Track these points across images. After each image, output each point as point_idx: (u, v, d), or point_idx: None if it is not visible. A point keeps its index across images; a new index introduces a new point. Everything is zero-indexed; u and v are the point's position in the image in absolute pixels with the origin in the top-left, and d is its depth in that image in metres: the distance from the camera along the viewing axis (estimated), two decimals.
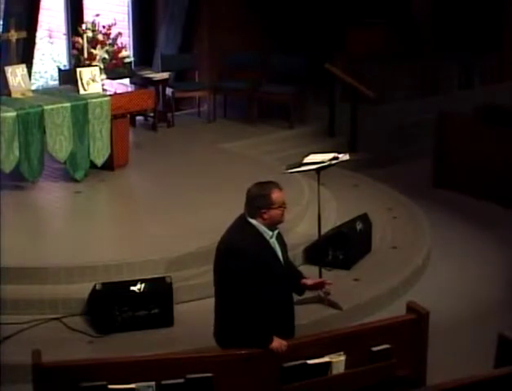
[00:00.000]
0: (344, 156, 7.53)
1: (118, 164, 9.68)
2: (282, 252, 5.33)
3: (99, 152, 9.40)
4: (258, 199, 5.18)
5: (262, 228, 5.20)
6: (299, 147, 10.69)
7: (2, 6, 11.18)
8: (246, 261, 5.07)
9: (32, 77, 10.96)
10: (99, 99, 9.37)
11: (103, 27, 9.78)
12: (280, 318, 5.30)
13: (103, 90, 9.58)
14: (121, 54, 9.88)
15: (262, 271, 5.12)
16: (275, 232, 5.27)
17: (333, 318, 7.16)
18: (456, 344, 6.95)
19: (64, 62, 12.90)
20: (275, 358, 5.13)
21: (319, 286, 5.57)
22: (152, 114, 11.47)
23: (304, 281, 5.48)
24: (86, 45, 9.57)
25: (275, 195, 5.19)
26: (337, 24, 12.77)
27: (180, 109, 12.43)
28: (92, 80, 9.44)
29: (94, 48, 9.61)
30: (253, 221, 5.19)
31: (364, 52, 12.40)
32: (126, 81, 11.36)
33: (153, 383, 4.98)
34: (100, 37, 9.67)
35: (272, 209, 5.17)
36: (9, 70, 9.27)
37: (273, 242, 5.26)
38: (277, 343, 5.14)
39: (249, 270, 5.07)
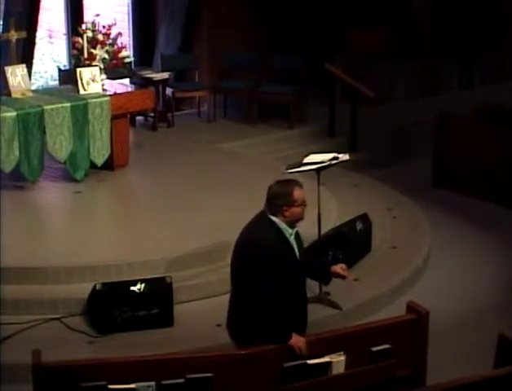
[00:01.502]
0: (344, 156, 7.53)
1: (118, 164, 9.68)
2: (299, 250, 5.42)
3: (99, 152, 9.40)
4: (280, 197, 5.26)
5: (283, 225, 5.29)
6: (299, 147, 10.69)
7: (2, 6, 11.18)
8: (267, 256, 5.16)
9: (32, 77, 10.97)
10: (99, 99, 9.36)
11: (103, 27, 9.77)
12: (294, 315, 5.38)
13: (103, 90, 9.57)
14: (121, 54, 9.87)
15: (281, 268, 5.21)
16: (295, 230, 5.36)
17: (333, 318, 7.16)
18: (456, 344, 6.95)
19: (64, 62, 12.91)
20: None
21: (344, 269, 5.62)
22: (152, 114, 11.48)
23: (334, 268, 5.54)
24: (86, 45, 9.57)
25: (297, 193, 5.29)
26: (337, 24, 12.76)
27: (180, 109, 12.44)
28: (92, 80, 9.44)
29: (94, 48, 9.61)
30: (275, 219, 5.28)
31: (364, 52, 12.39)
32: (126, 81, 11.37)
33: (153, 383, 4.98)
34: (100, 37, 9.66)
35: (294, 207, 5.27)
36: (9, 70, 9.27)
37: (292, 240, 5.35)
38: (296, 339, 5.19)
39: (269, 266, 5.16)
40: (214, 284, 7.39)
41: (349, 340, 5.37)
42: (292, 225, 5.33)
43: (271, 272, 5.16)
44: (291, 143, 11.23)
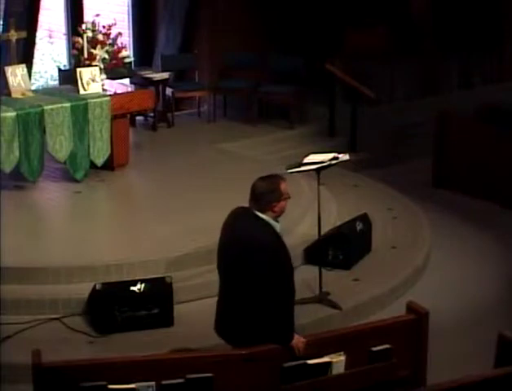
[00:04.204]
0: (344, 156, 7.52)
1: (118, 164, 9.68)
2: None
3: (99, 152, 9.40)
4: (269, 194, 5.20)
5: (272, 222, 5.24)
6: (299, 147, 10.69)
7: (2, 6, 11.18)
8: (272, 255, 5.12)
9: (32, 77, 10.97)
10: (99, 99, 9.37)
11: (103, 27, 9.77)
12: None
13: (103, 90, 9.58)
14: (121, 54, 9.88)
15: (282, 267, 5.19)
16: (279, 225, 5.31)
17: (333, 318, 7.16)
18: (456, 344, 6.95)
19: (64, 62, 12.91)
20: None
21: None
22: (152, 114, 11.48)
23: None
24: (86, 45, 9.57)
25: (283, 187, 5.27)
26: (336, 24, 12.76)
27: (180, 109, 12.44)
28: (92, 80, 9.45)
29: (94, 48, 9.61)
30: (263, 216, 5.22)
31: (363, 52, 12.39)
32: (126, 81, 11.36)
33: (153, 383, 4.98)
34: (100, 37, 9.67)
35: (281, 201, 5.24)
36: (9, 70, 9.27)
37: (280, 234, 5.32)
38: (296, 340, 5.19)
39: (276, 264, 5.12)
40: (214, 284, 7.34)
41: (349, 340, 5.37)
42: (276, 219, 5.27)
43: (276, 273, 5.11)
44: (291, 143, 11.22)
